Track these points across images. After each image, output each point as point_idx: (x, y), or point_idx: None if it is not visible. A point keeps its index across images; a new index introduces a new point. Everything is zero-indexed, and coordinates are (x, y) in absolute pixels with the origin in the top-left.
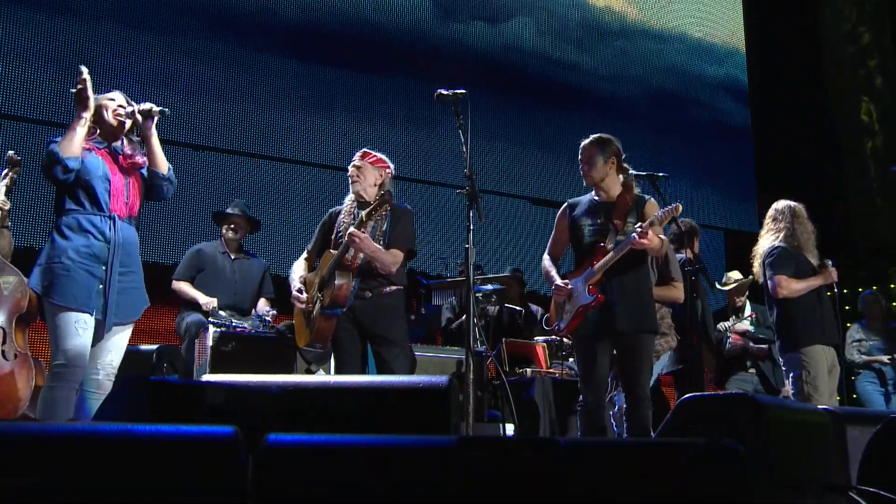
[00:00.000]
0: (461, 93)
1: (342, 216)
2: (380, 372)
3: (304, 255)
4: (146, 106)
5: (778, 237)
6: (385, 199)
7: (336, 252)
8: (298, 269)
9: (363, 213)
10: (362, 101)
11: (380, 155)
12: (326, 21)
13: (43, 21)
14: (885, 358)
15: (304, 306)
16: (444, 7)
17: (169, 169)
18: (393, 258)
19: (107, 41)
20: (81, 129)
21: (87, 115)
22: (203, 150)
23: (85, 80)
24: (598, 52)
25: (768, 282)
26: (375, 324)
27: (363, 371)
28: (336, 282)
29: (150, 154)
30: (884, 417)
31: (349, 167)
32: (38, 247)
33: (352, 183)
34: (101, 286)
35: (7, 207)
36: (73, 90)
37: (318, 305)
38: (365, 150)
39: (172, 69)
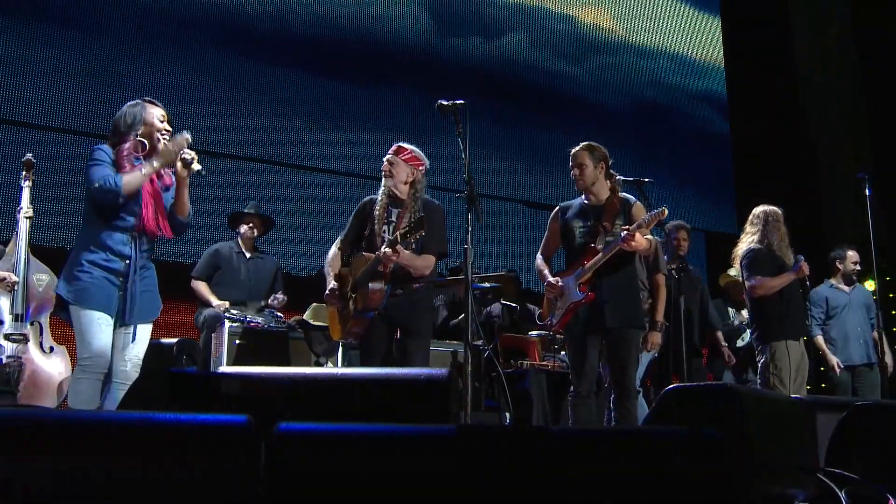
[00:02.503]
0: (460, 103)
1: (376, 210)
2: (400, 361)
3: (338, 244)
4: (189, 156)
5: (752, 240)
6: (420, 226)
7: (371, 258)
8: (333, 263)
9: (397, 234)
10: (368, 111)
11: (414, 151)
12: (334, 37)
13: (73, 38)
14: None
15: (336, 305)
16: (444, 24)
17: (189, 214)
18: (425, 263)
19: (131, 56)
20: (145, 176)
21: (158, 166)
22: (219, 157)
23: (179, 140)
24: (587, 65)
25: (746, 283)
26: (406, 317)
27: (386, 365)
28: (370, 286)
29: (178, 198)
30: (850, 405)
31: (384, 160)
32: (69, 247)
33: (384, 177)
34: (119, 293)
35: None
36: (172, 146)
37: (351, 305)
38: (400, 144)
39: (192, 82)
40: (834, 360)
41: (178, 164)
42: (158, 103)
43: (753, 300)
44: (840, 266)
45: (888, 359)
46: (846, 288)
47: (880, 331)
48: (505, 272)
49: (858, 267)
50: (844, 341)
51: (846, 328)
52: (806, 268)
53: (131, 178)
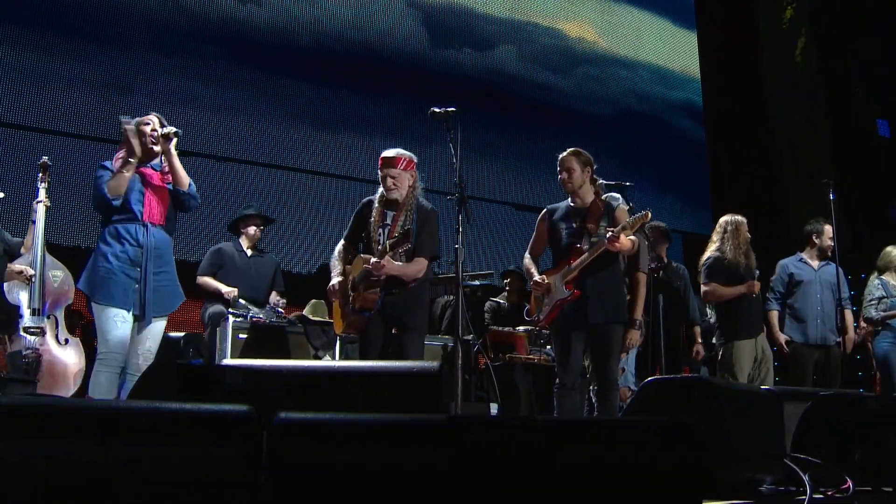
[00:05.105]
0: (452, 110)
1: (373, 214)
2: (397, 355)
3: (343, 242)
4: (164, 130)
5: (713, 249)
6: (406, 238)
7: (366, 260)
8: (340, 259)
9: (386, 244)
10: (365, 118)
11: (404, 155)
12: (335, 48)
13: (88, 50)
14: None
15: (337, 299)
16: (438, 36)
17: (190, 185)
18: (417, 269)
19: (141, 66)
20: (128, 173)
21: (134, 161)
22: (224, 161)
23: (129, 129)
24: (572, 76)
25: (701, 287)
26: (402, 313)
27: (384, 359)
28: (364, 290)
29: (171, 173)
30: (814, 395)
31: (386, 179)
32: (83, 246)
33: (388, 191)
34: (136, 286)
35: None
36: (125, 131)
37: (352, 302)
38: (390, 155)
39: (199, 91)
40: (781, 337)
41: (157, 146)
42: (154, 114)
43: (717, 303)
44: (817, 241)
45: (847, 338)
46: (815, 264)
47: (841, 307)
48: (513, 268)
49: (833, 243)
50: (802, 319)
51: (806, 305)
52: (756, 287)
53: (113, 182)
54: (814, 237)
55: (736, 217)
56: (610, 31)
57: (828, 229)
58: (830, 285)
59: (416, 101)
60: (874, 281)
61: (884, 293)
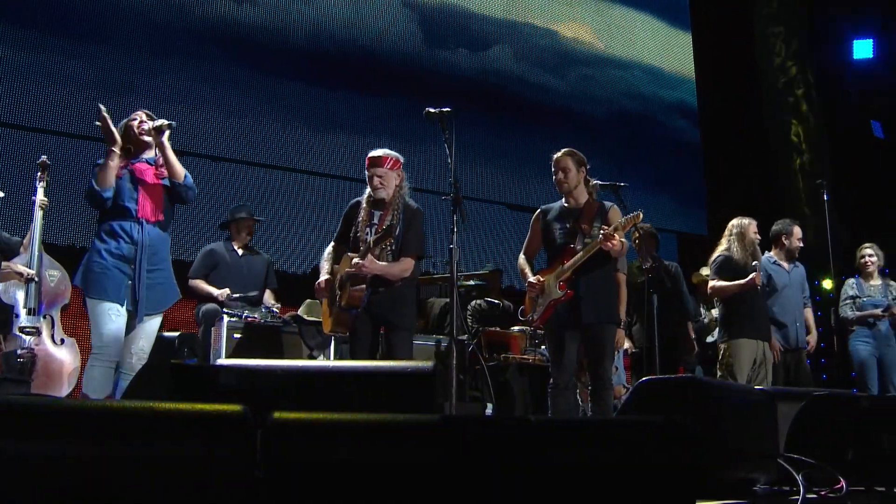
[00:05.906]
0: (447, 110)
1: (361, 214)
2: (386, 354)
3: (333, 243)
4: (157, 123)
5: (722, 248)
6: (389, 234)
7: (353, 257)
8: (329, 259)
9: (370, 240)
10: (361, 118)
11: (391, 155)
12: (330, 49)
13: (87, 50)
14: (878, 311)
15: (325, 297)
16: (432, 36)
17: (186, 176)
18: (402, 268)
19: (139, 66)
20: (112, 162)
21: (116, 148)
22: (220, 161)
23: (104, 117)
24: (567, 76)
25: (709, 282)
26: (388, 312)
27: (373, 358)
28: (350, 288)
29: (166, 165)
30: (808, 395)
31: (373, 178)
32: (79, 245)
33: (375, 190)
34: (129, 282)
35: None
36: (98, 124)
37: (338, 300)
38: (377, 154)
39: (196, 90)
40: (777, 343)
41: (149, 137)
42: (141, 111)
43: (722, 300)
44: (786, 242)
45: (811, 338)
46: (787, 266)
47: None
48: (490, 267)
49: (802, 244)
50: (784, 324)
51: (785, 311)
52: (758, 278)
53: (100, 172)
54: (783, 238)
55: (743, 220)
56: (605, 32)
57: (796, 230)
58: (800, 286)
59: (411, 101)
60: (849, 280)
61: (857, 293)
